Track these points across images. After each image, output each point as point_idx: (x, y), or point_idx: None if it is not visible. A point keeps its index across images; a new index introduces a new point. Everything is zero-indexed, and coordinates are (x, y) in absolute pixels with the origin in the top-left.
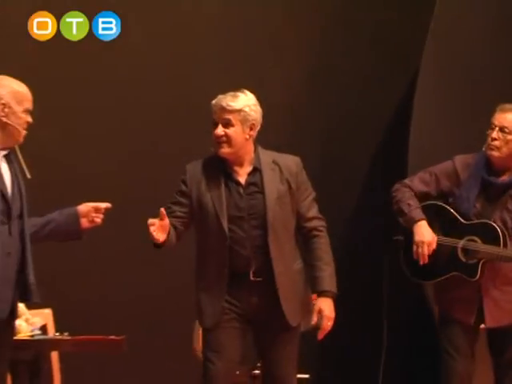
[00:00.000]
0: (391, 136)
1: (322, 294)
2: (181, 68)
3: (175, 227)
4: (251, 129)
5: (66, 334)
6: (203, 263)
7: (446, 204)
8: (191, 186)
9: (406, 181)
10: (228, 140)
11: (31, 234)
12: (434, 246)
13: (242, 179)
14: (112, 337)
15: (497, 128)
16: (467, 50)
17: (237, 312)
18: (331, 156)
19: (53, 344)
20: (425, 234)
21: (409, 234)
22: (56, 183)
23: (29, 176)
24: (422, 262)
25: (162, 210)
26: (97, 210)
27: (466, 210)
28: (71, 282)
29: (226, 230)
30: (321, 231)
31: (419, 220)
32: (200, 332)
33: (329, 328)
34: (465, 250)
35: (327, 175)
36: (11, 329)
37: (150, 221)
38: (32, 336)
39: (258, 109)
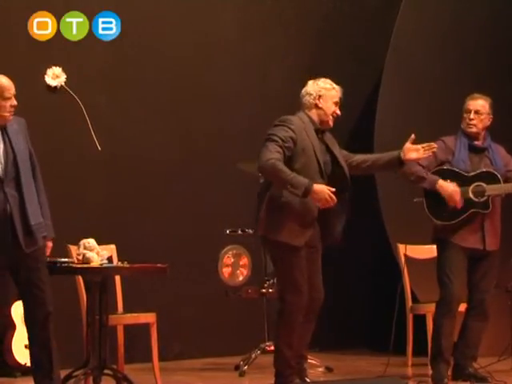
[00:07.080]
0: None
1: None
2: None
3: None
4: None
5: (125, 262)
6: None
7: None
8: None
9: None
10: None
11: None
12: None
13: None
14: (159, 265)
15: (472, 111)
16: (425, 52)
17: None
18: None
19: (116, 270)
20: (450, 186)
21: (428, 194)
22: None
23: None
24: (459, 207)
25: None
26: None
27: (463, 168)
28: (129, 227)
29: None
30: None
31: (438, 180)
32: (223, 262)
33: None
34: (475, 193)
35: None
36: (28, 257)
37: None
38: (101, 264)
39: None
